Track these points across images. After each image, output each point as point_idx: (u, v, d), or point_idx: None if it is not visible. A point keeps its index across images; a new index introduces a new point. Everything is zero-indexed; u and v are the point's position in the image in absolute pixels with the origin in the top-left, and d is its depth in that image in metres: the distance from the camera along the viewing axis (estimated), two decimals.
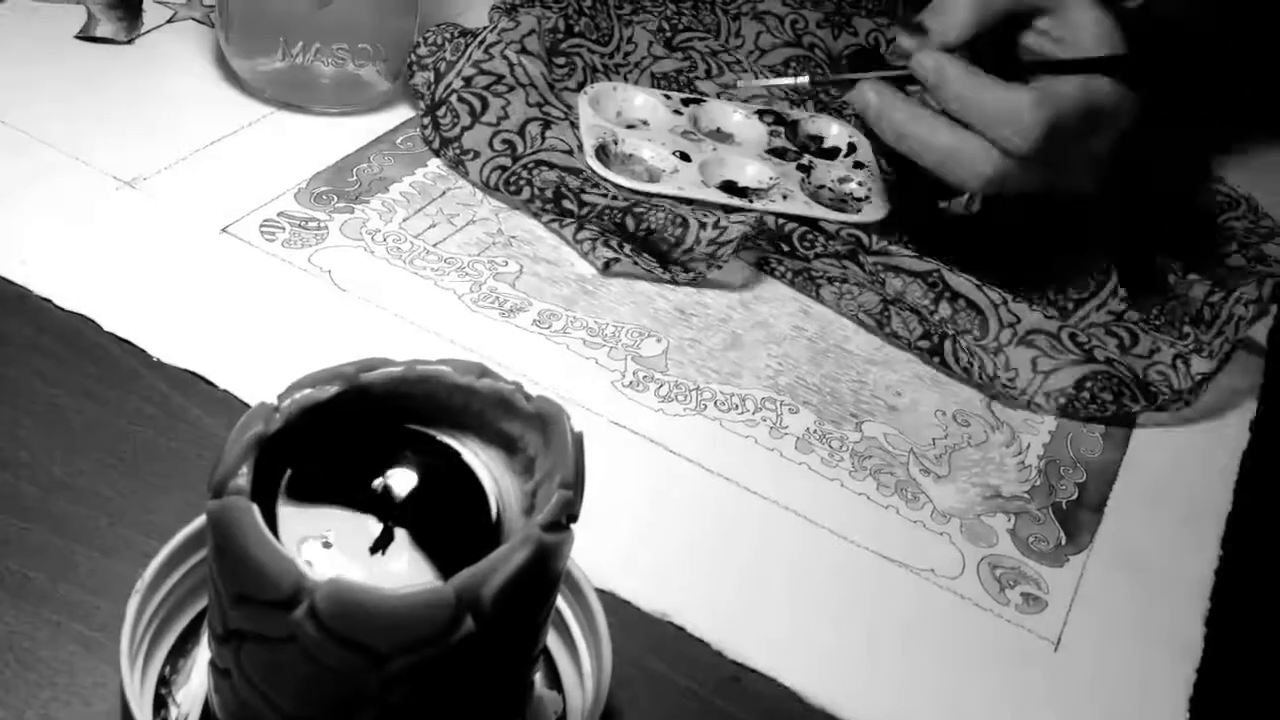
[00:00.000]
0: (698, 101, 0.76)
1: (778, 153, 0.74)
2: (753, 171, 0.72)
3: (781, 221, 0.67)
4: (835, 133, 0.78)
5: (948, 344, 0.63)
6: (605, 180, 0.67)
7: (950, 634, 0.50)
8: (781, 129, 0.76)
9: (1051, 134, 0.59)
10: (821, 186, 0.73)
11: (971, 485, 0.57)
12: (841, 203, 0.72)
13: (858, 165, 0.75)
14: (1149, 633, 0.52)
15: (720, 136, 0.75)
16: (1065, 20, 0.63)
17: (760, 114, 0.77)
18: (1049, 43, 0.64)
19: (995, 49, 0.64)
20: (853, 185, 0.73)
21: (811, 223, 0.68)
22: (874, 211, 0.70)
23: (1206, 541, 0.57)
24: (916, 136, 0.62)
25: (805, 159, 0.74)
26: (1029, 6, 0.63)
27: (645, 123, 0.75)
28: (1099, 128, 0.62)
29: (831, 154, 0.76)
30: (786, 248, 0.66)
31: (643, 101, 0.75)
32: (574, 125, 0.70)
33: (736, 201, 0.68)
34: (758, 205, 0.68)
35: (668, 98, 0.76)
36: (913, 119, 0.62)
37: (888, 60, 0.65)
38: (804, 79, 0.67)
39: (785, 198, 0.69)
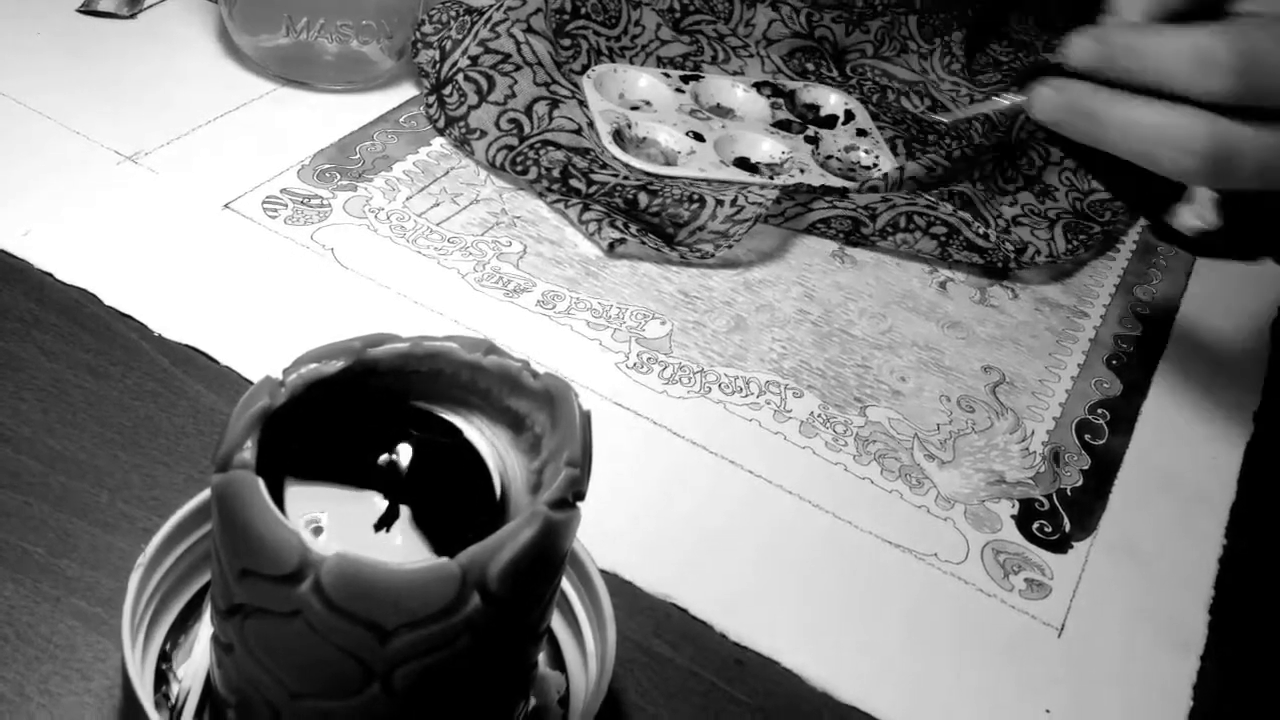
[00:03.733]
0: (696, 78, 0.76)
1: (783, 125, 0.74)
2: (766, 147, 0.72)
3: (810, 196, 0.67)
4: (833, 101, 0.78)
5: (1010, 261, 0.68)
6: (628, 166, 0.67)
7: (953, 619, 0.49)
8: (781, 101, 0.77)
9: (1253, 67, 0.46)
10: (830, 157, 0.74)
11: (975, 471, 0.56)
12: (850, 171, 0.73)
13: (860, 133, 0.76)
14: (1153, 620, 0.52)
15: (721, 112, 0.75)
16: None
17: (758, 87, 0.77)
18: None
19: None
20: (860, 154, 0.74)
21: (837, 193, 0.68)
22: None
23: (1210, 530, 0.57)
24: (1112, 122, 0.49)
25: (811, 131, 0.75)
26: None
27: (648, 103, 0.74)
28: None
29: (830, 122, 0.77)
30: (829, 199, 0.68)
31: (646, 83, 0.75)
32: (582, 104, 0.69)
33: (757, 179, 0.69)
34: (778, 181, 0.69)
35: (667, 76, 0.76)
36: (1102, 102, 0.49)
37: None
38: (1017, 99, 0.55)
39: (802, 171, 0.70)
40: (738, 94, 0.77)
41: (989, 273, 0.69)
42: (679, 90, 0.75)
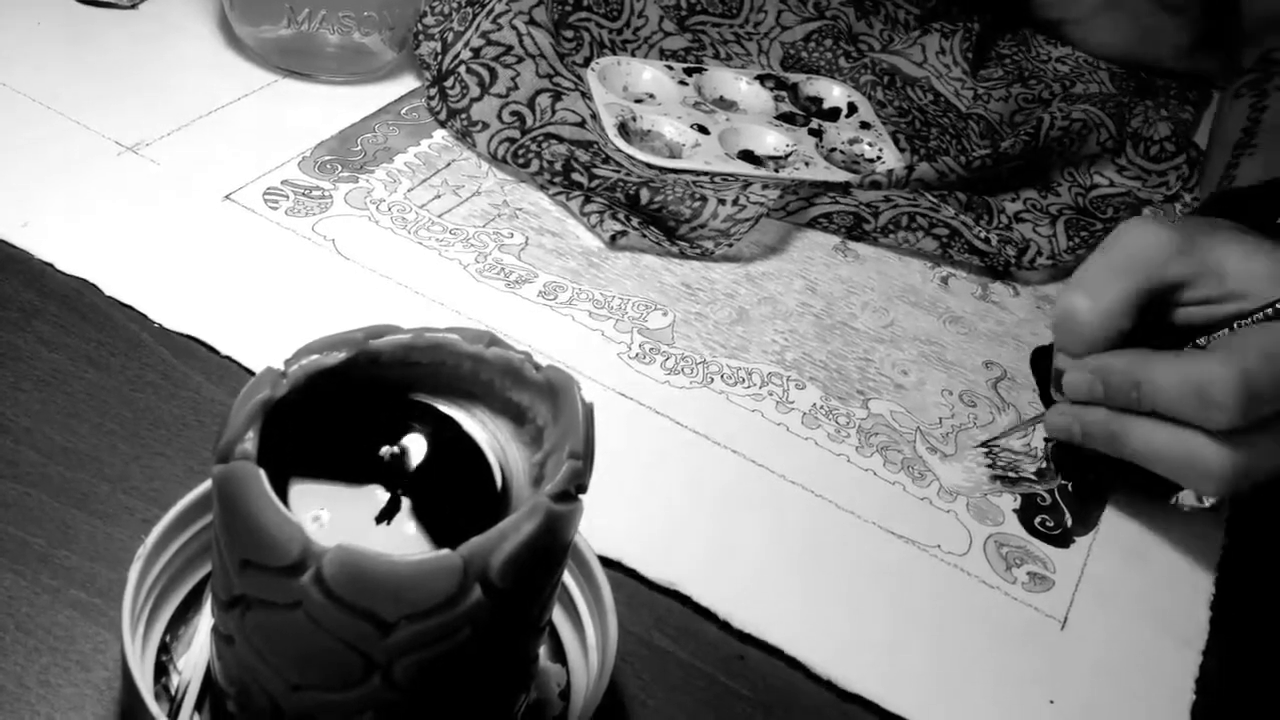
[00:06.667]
0: (699, 70, 0.76)
1: (786, 118, 0.74)
2: (770, 140, 0.72)
3: (813, 192, 0.67)
4: (836, 94, 0.78)
5: (1011, 266, 0.68)
6: (633, 159, 0.67)
7: (957, 610, 0.49)
8: (784, 94, 0.77)
9: (1250, 399, 0.48)
10: (833, 150, 0.74)
11: (978, 465, 0.56)
12: (854, 164, 0.73)
13: (864, 125, 0.76)
14: (1155, 615, 0.52)
15: (724, 104, 0.75)
16: (1222, 276, 0.52)
17: (761, 80, 0.77)
18: (1208, 310, 0.52)
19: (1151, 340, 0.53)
20: (864, 146, 0.74)
21: (840, 188, 0.68)
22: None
23: (1211, 527, 0.57)
24: (1131, 441, 0.51)
25: (815, 124, 0.74)
26: (1166, 283, 0.52)
27: (652, 96, 0.74)
28: None
29: (833, 115, 0.77)
30: (832, 195, 0.67)
31: (650, 76, 0.75)
32: (585, 96, 0.69)
33: (762, 172, 0.68)
34: (783, 175, 0.69)
35: (670, 69, 0.76)
36: (1121, 422, 0.52)
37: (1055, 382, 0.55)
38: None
39: (807, 164, 0.70)
40: (741, 87, 0.76)
41: (990, 269, 0.69)
42: (682, 83, 0.75)
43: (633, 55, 0.77)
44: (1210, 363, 0.49)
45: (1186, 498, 0.52)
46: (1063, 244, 0.71)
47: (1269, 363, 0.49)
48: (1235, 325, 0.51)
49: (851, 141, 0.74)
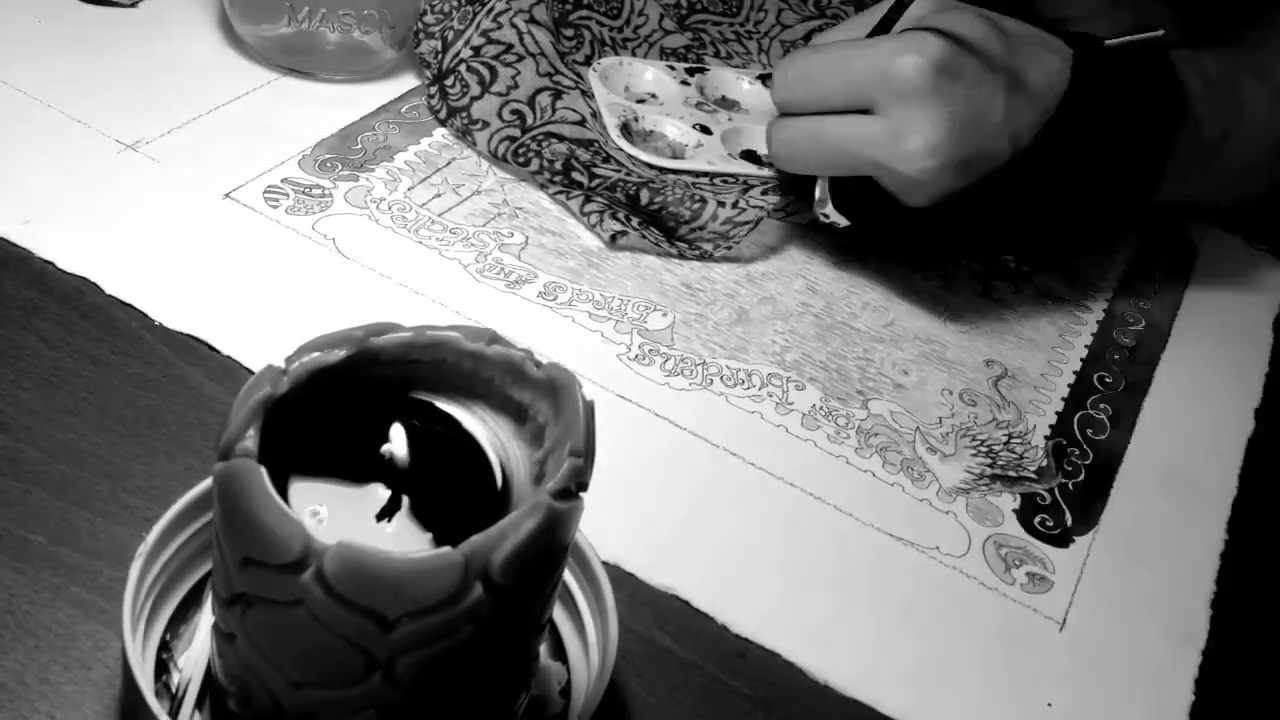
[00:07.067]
0: (701, 70, 0.76)
1: None
2: None
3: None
4: None
5: (1011, 263, 0.69)
6: (634, 159, 0.67)
7: (956, 612, 0.49)
8: None
9: (942, 68, 0.53)
10: None
11: (978, 464, 0.56)
12: None
13: None
14: (1155, 615, 0.52)
15: (727, 104, 0.75)
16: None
17: (763, 80, 0.77)
18: None
19: None
20: None
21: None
22: None
23: (1211, 526, 0.57)
24: (832, 130, 0.56)
25: None
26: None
27: (654, 96, 0.74)
28: (996, 73, 0.56)
29: None
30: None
31: (652, 76, 0.75)
32: (585, 94, 0.69)
33: (765, 171, 0.68)
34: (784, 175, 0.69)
35: (672, 69, 0.76)
36: (819, 120, 0.56)
37: None
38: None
39: None
40: (743, 87, 0.76)
41: (991, 267, 0.69)
42: (684, 83, 0.75)
43: (633, 54, 0.77)
44: (898, 43, 0.54)
45: (820, 211, 0.58)
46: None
47: (952, 54, 0.54)
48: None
49: None
